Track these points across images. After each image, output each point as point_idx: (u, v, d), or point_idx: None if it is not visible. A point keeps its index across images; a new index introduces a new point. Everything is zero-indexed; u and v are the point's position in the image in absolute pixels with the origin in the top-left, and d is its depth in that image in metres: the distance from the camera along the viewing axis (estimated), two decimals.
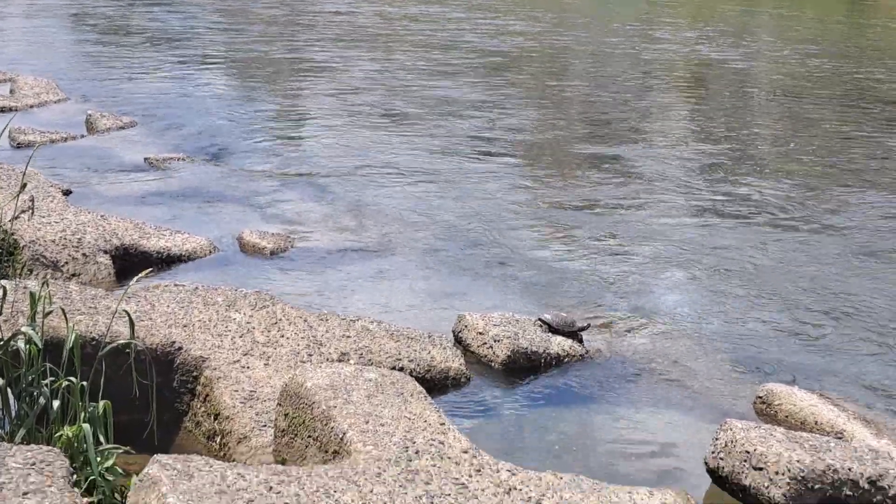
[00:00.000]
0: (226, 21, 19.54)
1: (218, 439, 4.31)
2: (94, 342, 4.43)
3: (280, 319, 5.07)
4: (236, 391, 4.39)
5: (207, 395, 4.47)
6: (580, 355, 5.39)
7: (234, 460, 4.05)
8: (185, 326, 4.82)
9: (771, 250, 7.26)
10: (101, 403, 3.78)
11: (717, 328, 5.88)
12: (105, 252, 6.19)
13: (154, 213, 7.48)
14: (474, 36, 18.09)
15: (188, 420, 4.55)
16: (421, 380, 4.79)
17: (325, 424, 3.72)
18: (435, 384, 4.97)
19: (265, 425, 4.17)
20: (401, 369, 4.89)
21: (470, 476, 3.49)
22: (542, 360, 5.30)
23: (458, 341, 5.49)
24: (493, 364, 5.28)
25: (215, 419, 4.37)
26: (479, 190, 8.55)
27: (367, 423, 3.69)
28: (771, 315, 6.10)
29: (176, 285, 5.21)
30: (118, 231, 6.53)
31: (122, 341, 4.03)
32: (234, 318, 4.99)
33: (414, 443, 3.62)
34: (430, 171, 9.09)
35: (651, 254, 7.13)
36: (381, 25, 19.38)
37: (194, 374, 4.63)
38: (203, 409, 4.48)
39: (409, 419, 3.78)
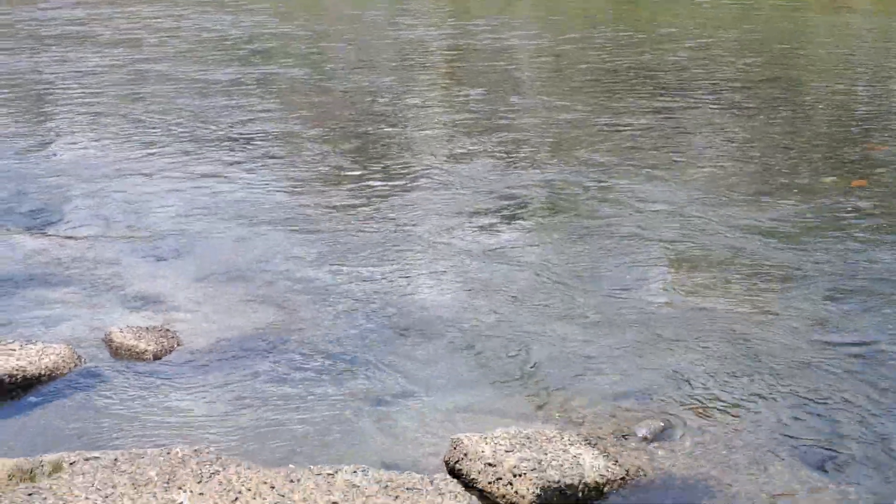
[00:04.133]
0: None
1: None
2: None
3: (240, 492, 3.67)
4: None
5: None
6: (620, 479, 4.19)
7: None
8: None
9: None
10: None
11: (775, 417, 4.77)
12: None
13: None
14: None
15: None
16: None
17: None
18: None
19: None
20: None
21: None
22: (580, 495, 4.08)
23: (455, 475, 4.21)
24: None
25: None
26: (343, 218, 7.42)
27: None
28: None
29: (87, 460, 3.72)
30: None
31: None
32: (181, 503, 3.55)
33: None
34: (280, 210, 7.79)
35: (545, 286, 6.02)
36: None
37: None
38: None
39: None
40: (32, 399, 4.87)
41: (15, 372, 4.96)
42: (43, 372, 5.05)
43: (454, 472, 4.22)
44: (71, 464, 3.68)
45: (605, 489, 4.13)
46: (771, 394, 4.83)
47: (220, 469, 3.78)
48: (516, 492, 4.03)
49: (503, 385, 5.02)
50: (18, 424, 4.61)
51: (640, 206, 7.48)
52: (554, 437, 4.36)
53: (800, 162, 8.66)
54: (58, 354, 5.18)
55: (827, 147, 9.12)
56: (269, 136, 10.00)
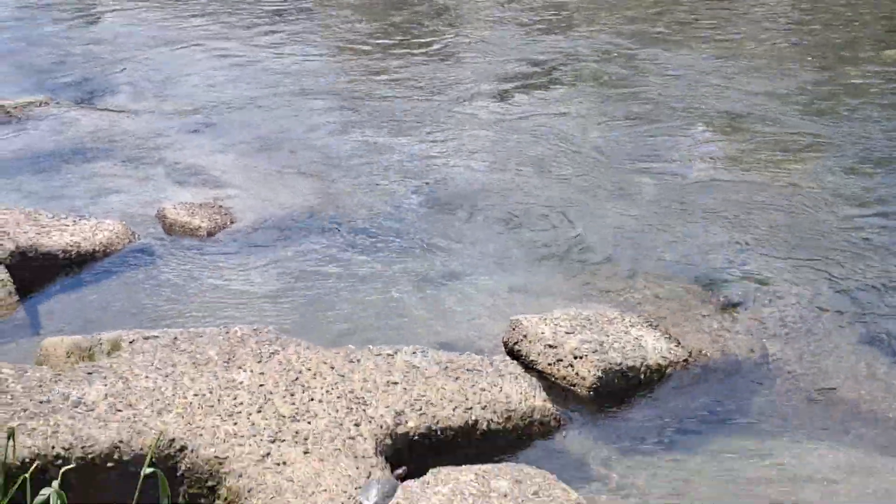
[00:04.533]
0: None
1: None
2: (59, 459, 2.98)
3: (300, 372, 3.64)
4: None
5: None
6: (683, 361, 4.13)
7: None
8: (181, 410, 3.34)
9: None
10: None
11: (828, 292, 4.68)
12: None
13: (31, 186, 5.82)
14: None
15: None
16: (500, 431, 3.54)
17: None
18: (518, 436, 3.67)
19: None
20: (475, 423, 3.57)
21: None
22: (642, 377, 4.02)
23: (515, 356, 4.16)
24: (577, 390, 3.98)
25: None
26: (396, 106, 7.28)
27: None
28: None
29: (146, 339, 3.69)
30: (6, 227, 4.88)
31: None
32: (241, 382, 3.53)
33: None
34: (314, 81, 7.73)
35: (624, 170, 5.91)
36: None
37: (209, 483, 3.20)
38: None
39: None
40: (87, 275, 4.84)
41: (69, 248, 4.92)
42: (97, 248, 5.00)
43: (513, 354, 4.17)
44: (130, 342, 3.65)
45: (668, 371, 4.08)
46: (832, 272, 4.74)
47: (280, 349, 3.74)
48: (577, 374, 3.98)
49: (555, 264, 4.95)
50: (74, 301, 4.59)
51: (690, 79, 7.31)
52: (615, 318, 4.29)
53: (861, 35, 8.40)
54: (112, 230, 5.12)
55: (889, 19, 8.84)
56: (300, 7, 9.84)
